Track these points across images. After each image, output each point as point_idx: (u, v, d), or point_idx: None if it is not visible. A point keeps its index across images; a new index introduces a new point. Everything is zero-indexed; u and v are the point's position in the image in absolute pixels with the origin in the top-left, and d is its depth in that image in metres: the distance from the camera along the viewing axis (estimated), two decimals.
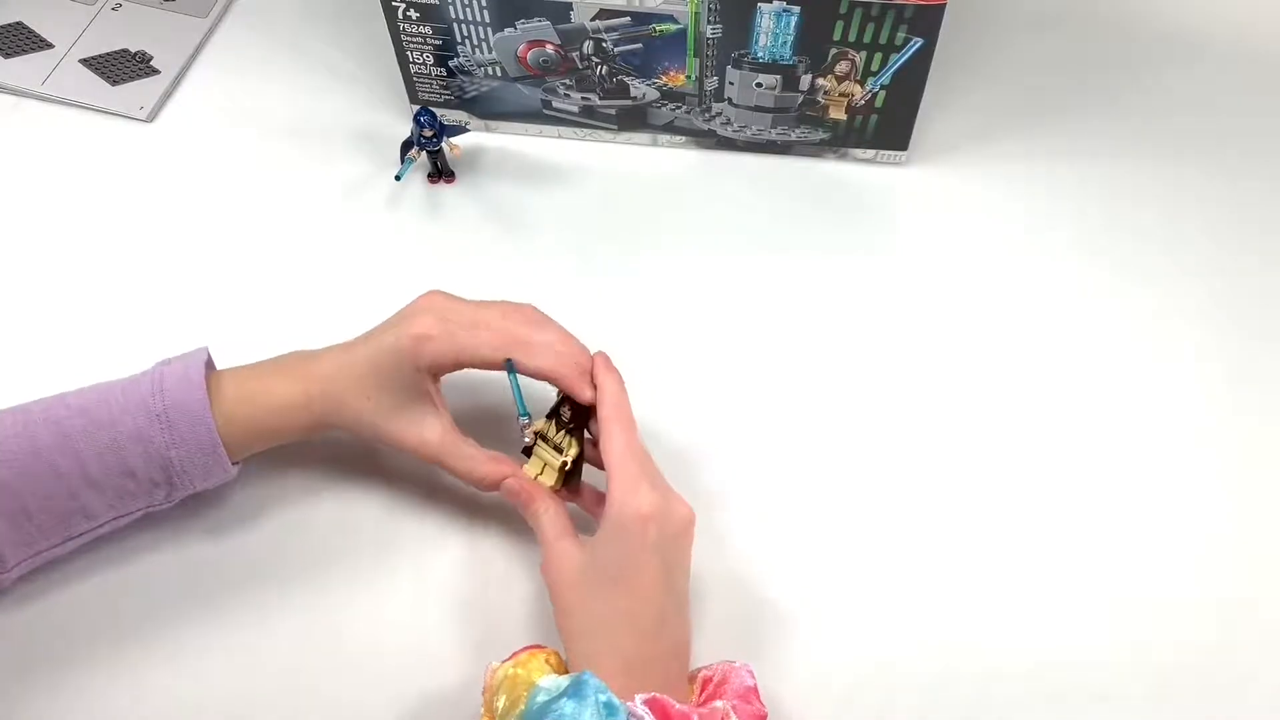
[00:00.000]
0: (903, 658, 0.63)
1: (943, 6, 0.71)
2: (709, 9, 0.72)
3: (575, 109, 0.82)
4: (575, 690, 0.51)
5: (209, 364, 0.63)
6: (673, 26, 0.74)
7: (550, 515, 0.61)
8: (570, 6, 0.74)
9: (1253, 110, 0.84)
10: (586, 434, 0.64)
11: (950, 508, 0.68)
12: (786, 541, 0.67)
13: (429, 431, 0.63)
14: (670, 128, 0.82)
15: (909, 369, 0.73)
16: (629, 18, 0.74)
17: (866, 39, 0.73)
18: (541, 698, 0.52)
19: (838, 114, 0.79)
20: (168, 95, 0.88)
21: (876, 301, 0.76)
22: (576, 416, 0.63)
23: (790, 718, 0.61)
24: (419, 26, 0.77)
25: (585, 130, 0.83)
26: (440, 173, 0.81)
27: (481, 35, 0.77)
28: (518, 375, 0.62)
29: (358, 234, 0.80)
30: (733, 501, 0.68)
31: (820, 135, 0.81)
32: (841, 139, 0.81)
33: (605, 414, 0.60)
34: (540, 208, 0.81)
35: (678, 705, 0.52)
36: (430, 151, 0.79)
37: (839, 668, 0.63)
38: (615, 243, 0.79)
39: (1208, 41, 0.88)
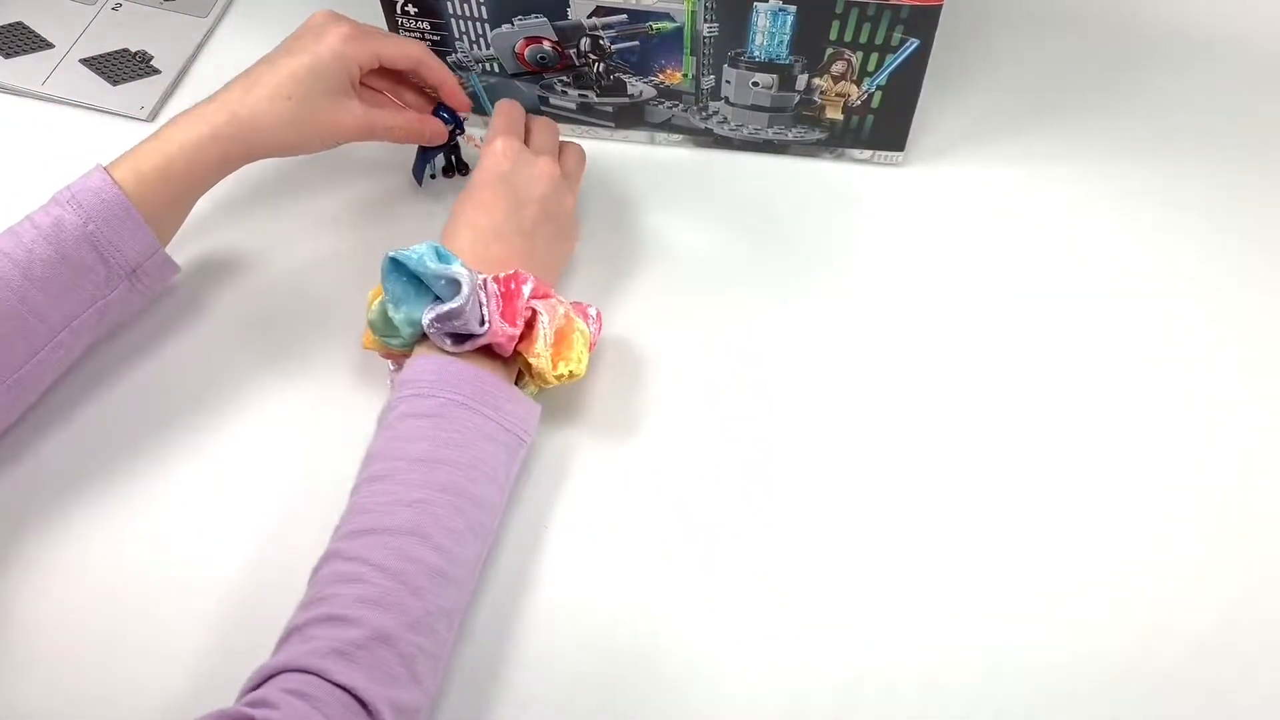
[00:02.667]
0: (902, 658, 0.63)
1: (939, 7, 0.71)
2: (706, 7, 0.73)
3: (573, 106, 0.82)
4: (421, 245, 0.63)
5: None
6: (669, 25, 0.74)
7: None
8: (567, 3, 0.74)
9: (1252, 110, 0.84)
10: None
11: (948, 508, 0.68)
12: (786, 541, 0.67)
13: (352, 112, 0.72)
14: (667, 126, 0.82)
15: (906, 370, 0.73)
16: (626, 15, 0.74)
17: (863, 39, 0.73)
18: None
19: (834, 114, 0.79)
20: (168, 95, 0.88)
21: (873, 302, 0.76)
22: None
23: (789, 717, 0.61)
24: (417, 22, 0.78)
25: (582, 127, 0.83)
26: (456, 167, 0.82)
27: (479, 31, 0.77)
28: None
29: (355, 232, 0.80)
30: (731, 500, 0.68)
31: (817, 135, 0.81)
32: (838, 139, 0.81)
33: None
34: None
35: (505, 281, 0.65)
36: (449, 146, 0.79)
37: (839, 668, 0.63)
38: (612, 241, 0.79)
39: (1206, 41, 0.88)
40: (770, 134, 0.82)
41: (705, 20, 0.74)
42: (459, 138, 0.79)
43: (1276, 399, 0.71)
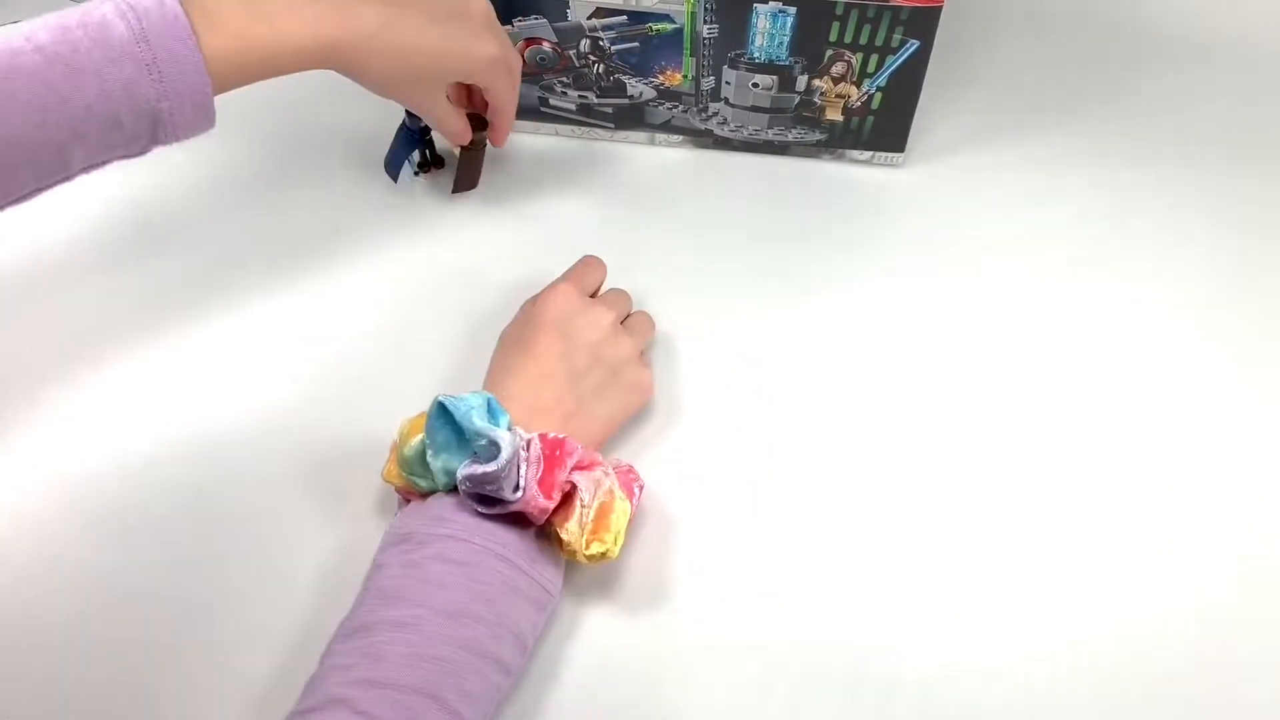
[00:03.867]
0: (902, 658, 0.63)
1: (939, 8, 0.71)
2: (705, 9, 0.73)
3: (572, 107, 0.82)
4: (473, 395, 0.59)
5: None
6: (669, 26, 0.74)
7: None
8: (567, 5, 0.74)
9: (1251, 110, 0.84)
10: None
11: (948, 509, 0.68)
12: (784, 541, 0.67)
13: (441, 106, 0.72)
14: (667, 127, 0.82)
15: (905, 371, 0.73)
16: (626, 16, 0.74)
17: (863, 40, 0.73)
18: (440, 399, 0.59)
19: (834, 115, 0.79)
20: None
21: (872, 303, 0.76)
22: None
23: (787, 715, 0.61)
24: None
25: (582, 128, 0.83)
26: (430, 162, 0.82)
27: None
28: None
29: (355, 231, 0.80)
30: (730, 500, 0.68)
31: (817, 136, 0.81)
32: (838, 140, 0.81)
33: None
34: (537, 205, 0.81)
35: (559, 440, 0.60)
36: (424, 141, 0.79)
37: (840, 667, 0.63)
38: (612, 241, 0.79)
39: (1206, 42, 0.88)
40: (770, 135, 0.81)
41: (705, 21, 0.74)
42: (434, 132, 0.79)
43: (1276, 400, 0.72)
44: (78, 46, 0.57)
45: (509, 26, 0.76)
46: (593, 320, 0.67)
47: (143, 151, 0.62)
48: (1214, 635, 0.63)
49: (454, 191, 0.81)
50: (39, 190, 0.60)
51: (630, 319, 0.72)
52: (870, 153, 0.82)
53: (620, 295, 0.73)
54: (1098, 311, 0.75)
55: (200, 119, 0.62)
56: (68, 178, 0.60)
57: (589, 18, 0.75)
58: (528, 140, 0.84)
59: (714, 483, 0.69)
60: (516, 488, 0.58)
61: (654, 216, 0.81)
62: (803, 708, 0.61)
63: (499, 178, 0.82)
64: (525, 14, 0.75)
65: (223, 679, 0.60)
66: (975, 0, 0.89)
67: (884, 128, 0.79)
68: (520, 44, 0.77)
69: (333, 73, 0.88)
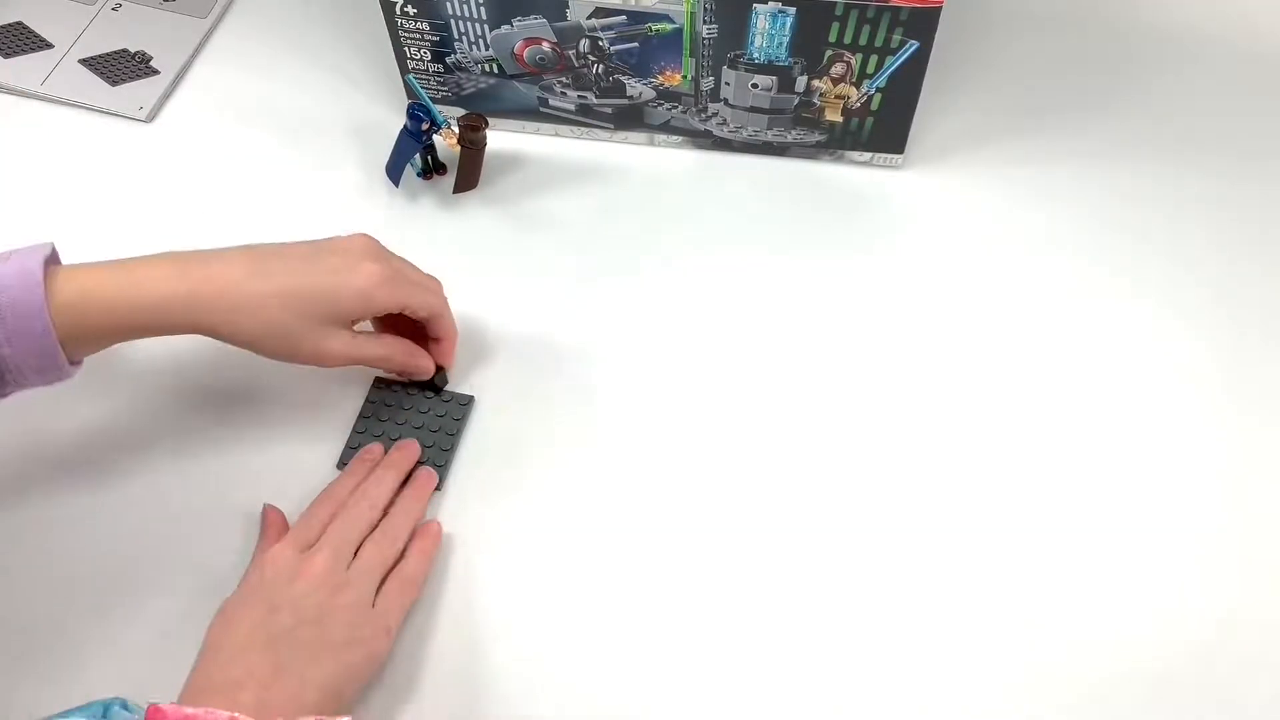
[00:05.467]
0: (901, 657, 0.63)
1: (938, 9, 0.71)
2: (705, 9, 0.73)
3: (572, 107, 0.82)
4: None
5: (52, 258, 0.61)
6: (669, 26, 0.74)
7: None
8: (567, 4, 0.74)
9: (1252, 111, 0.84)
10: None
11: (948, 509, 0.68)
12: (784, 540, 0.67)
13: (341, 340, 0.65)
14: (667, 127, 0.82)
15: (904, 371, 0.73)
16: (625, 16, 0.74)
17: (862, 41, 0.73)
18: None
19: (834, 116, 0.79)
20: (167, 95, 0.88)
21: (872, 304, 0.76)
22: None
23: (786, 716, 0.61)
24: (416, 23, 0.78)
25: (582, 129, 0.83)
26: (432, 168, 0.82)
27: (479, 32, 0.77)
28: None
29: (351, 229, 0.80)
30: (728, 499, 0.68)
31: (816, 137, 0.81)
32: (838, 141, 0.81)
33: None
34: (537, 206, 0.81)
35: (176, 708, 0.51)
36: (425, 146, 0.79)
37: (839, 667, 0.63)
38: (611, 242, 0.79)
39: (1207, 42, 0.88)
40: (770, 136, 0.81)
41: (704, 22, 0.74)
42: (435, 136, 0.79)
43: (1276, 399, 0.71)
44: None
45: (508, 26, 0.76)
46: (300, 571, 0.60)
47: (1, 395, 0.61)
48: (1214, 637, 0.63)
49: (455, 192, 0.81)
50: None
51: (407, 550, 0.64)
52: (870, 153, 0.82)
53: (363, 506, 0.64)
54: (1098, 311, 0.75)
55: (47, 365, 0.60)
56: None
57: (588, 18, 0.75)
58: (528, 140, 0.84)
59: (710, 478, 0.69)
60: None
61: (653, 217, 0.81)
62: (800, 708, 0.61)
63: (499, 178, 0.82)
64: (525, 14, 0.75)
65: None
66: (975, 0, 0.89)
67: (883, 128, 0.79)
68: (520, 44, 0.77)
69: (331, 72, 0.89)
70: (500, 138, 0.83)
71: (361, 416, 0.71)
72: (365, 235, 0.67)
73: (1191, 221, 0.79)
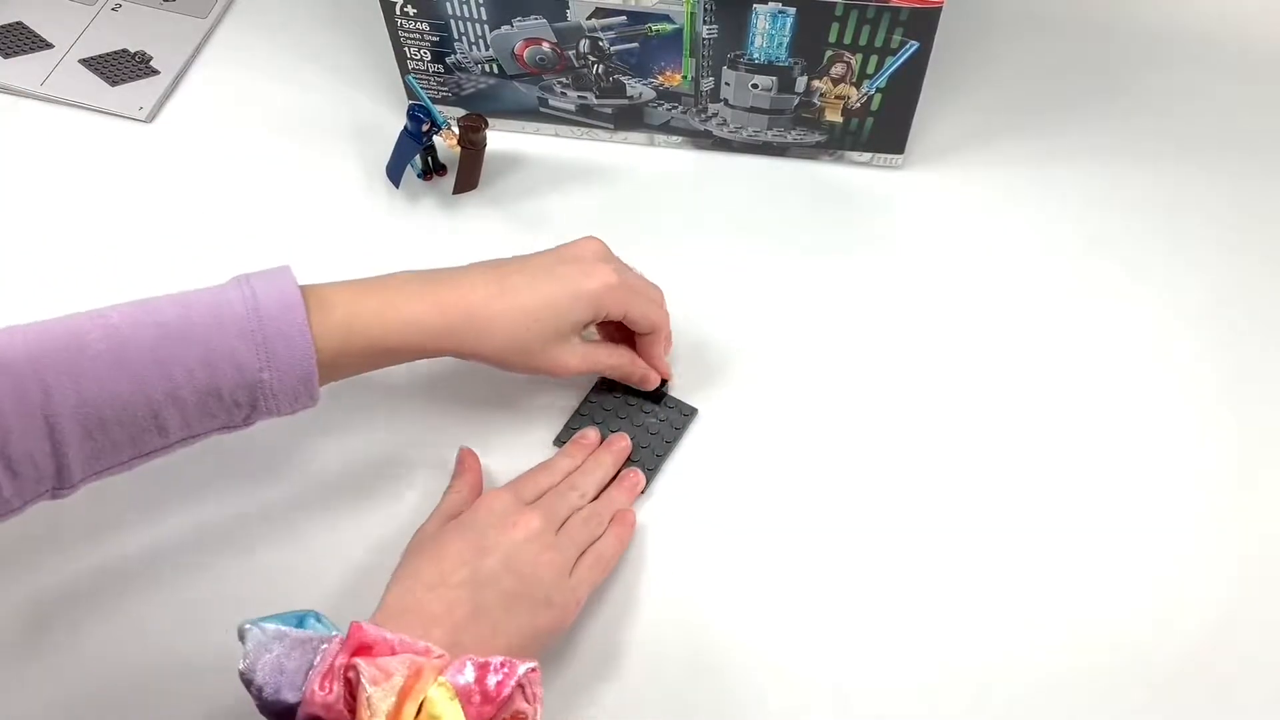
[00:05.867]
0: (901, 657, 0.63)
1: (938, 9, 0.71)
2: (705, 9, 0.73)
3: (572, 107, 0.82)
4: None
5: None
6: (669, 26, 0.74)
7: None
8: (567, 5, 0.74)
9: (1252, 110, 0.84)
10: None
11: (948, 508, 0.68)
12: (784, 539, 0.67)
13: (578, 352, 0.67)
14: (667, 128, 0.82)
15: (904, 371, 0.73)
16: (625, 17, 0.74)
17: (862, 41, 0.73)
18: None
19: (834, 116, 0.79)
20: (167, 95, 0.88)
21: (872, 304, 0.76)
22: None
23: (785, 716, 0.61)
24: (416, 23, 0.78)
25: (582, 129, 0.83)
26: (433, 169, 0.82)
27: (479, 32, 0.77)
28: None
29: (356, 232, 0.80)
30: (728, 499, 0.68)
31: (816, 137, 0.81)
32: (838, 141, 0.81)
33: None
34: (537, 206, 0.81)
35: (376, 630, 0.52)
36: (425, 147, 0.79)
37: (838, 665, 0.63)
38: (611, 242, 0.78)
39: (1206, 42, 0.88)
40: (770, 136, 0.81)
41: (705, 22, 0.74)
42: (435, 137, 0.79)
43: (1276, 399, 0.71)
44: (191, 318, 0.58)
45: (508, 26, 0.76)
46: (515, 521, 0.62)
47: (245, 423, 0.61)
48: (1213, 636, 0.63)
49: (455, 192, 0.81)
50: (136, 458, 0.59)
51: (609, 529, 0.66)
52: (870, 154, 0.82)
53: (584, 487, 0.66)
54: (1098, 311, 0.75)
55: (302, 392, 0.60)
56: (166, 446, 0.60)
57: (588, 18, 0.75)
58: (528, 140, 0.84)
59: (709, 477, 0.69)
60: (299, 688, 0.51)
61: (653, 218, 0.81)
62: (799, 708, 0.61)
63: (499, 178, 0.82)
64: (525, 14, 0.75)
65: None
66: (975, 0, 0.89)
67: (883, 129, 0.79)
68: (520, 44, 0.77)
69: (331, 72, 0.88)
70: (500, 138, 0.83)
71: (579, 414, 0.71)
72: (595, 239, 0.68)
73: (1191, 221, 0.79)
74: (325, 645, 0.51)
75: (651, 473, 0.69)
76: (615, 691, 0.62)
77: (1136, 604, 0.64)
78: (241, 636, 0.51)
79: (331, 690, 0.50)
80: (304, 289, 0.60)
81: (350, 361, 0.62)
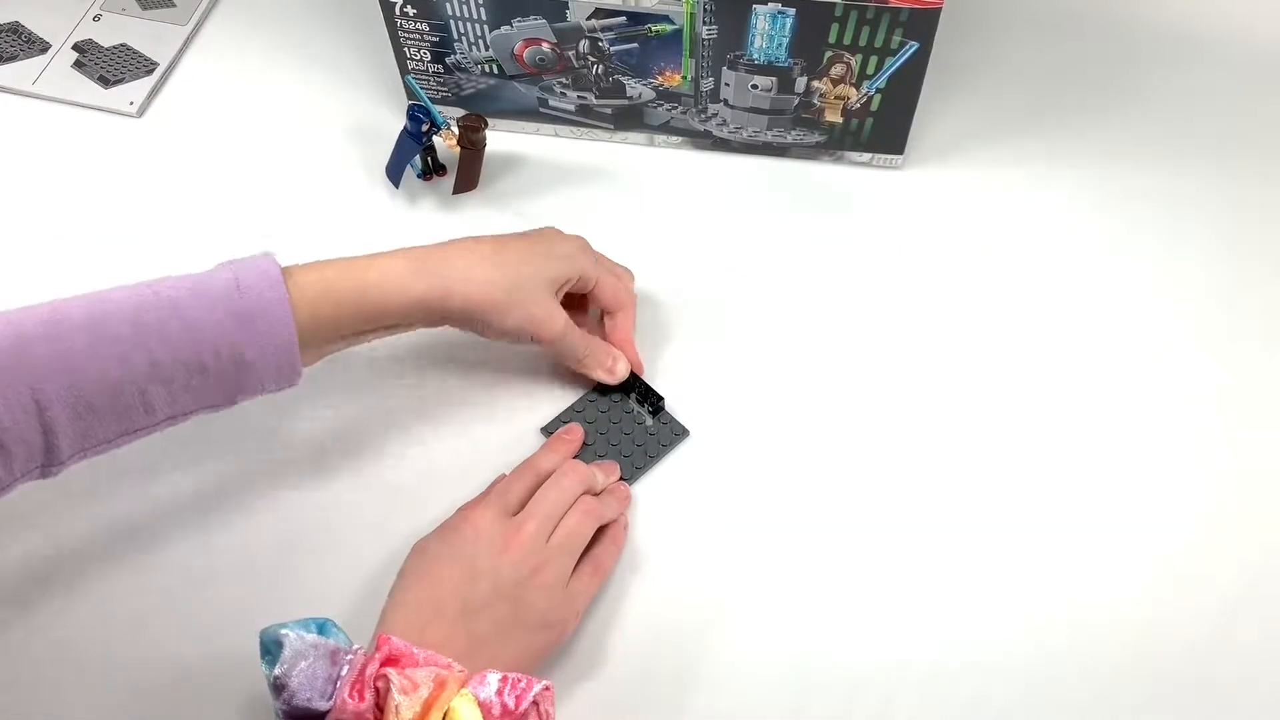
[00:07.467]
0: (901, 656, 0.63)
1: (938, 10, 0.71)
2: (704, 10, 0.73)
3: (571, 108, 0.82)
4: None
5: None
6: (668, 27, 0.74)
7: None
8: (566, 5, 0.74)
9: (1252, 110, 0.84)
10: None
11: (948, 507, 0.68)
12: (784, 538, 0.67)
13: (560, 316, 0.67)
14: (666, 128, 0.82)
15: (905, 371, 0.73)
16: (625, 17, 0.74)
17: (862, 42, 0.73)
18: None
19: (833, 117, 0.79)
20: (156, 89, 0.88)
21: (872, 304, 0.76)
22: None
23: (783, 716, 0.61)
24: (416, 23, 0.78)
25: (582, 129, 0.83)
26: (432, 169, 0.81)
27: (478, 32, 0.77)
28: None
29: (356, 232, 0.80)
30: (727, 499, 0.68)
31: (816, 138, 0.81)
32: (837, 142, 0.81)
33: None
34: (537, 206, 0.81)
35: (403, 643, 0.54)
36: (425, 147, 0.79)
37: (838, 665, 0.63)
38: (611, 242, 0.78)
39: (1206, 42, 0.88)
40: (769, 136, 0.81)
41: (704, 22, 0.73)
42: (435, 137, 0.79)
43: (1276, 400, 0.72)
44: (173, 294, 0.59)
45: (508, 26, 0.76)
46: (505, 543, 0.61)
47: (230, 401, 0.61)
48: (1213, 635, 0.64)
49: (454, 192, 0.80)
50: (124, 435, 0.60)
51: (598, 541, 0.65)
52: (869, 154, 0.82)
53: (570, 480, 0.65)
54: (1098, 311, 0.75)
55: (285, 366, 0.61)
56: (153, 424, 0.60)
57: (588, 18, 0.74)
58: (528, 141, 0.84)
59: (709, 476, 0.69)
60: (329, 697, 0.52)
61: (653, 218, 0.80)
62: (798, 708, 0.61)
63: (499, 178, 0.82)
64: (524, 14, 0.75)
65: None
66: (975, 1, 0.89)
67: (883, 129, 0.79)
68: (520, 44, 0.77)
69: (330, 72, 0.88)
70: (500, 138, 0.83)
71: (573, 409, 0.72)
72: (578, 237, 0.71)
73: (1191, 221, 0.79)
74: (350, 655, 0.52)
75: (628, 481, 0.69)
76: (600, 694, 0.62)
77: (1137, 603, 0.64)
78: (278, 643, 0.51)
79: (363, 699, 0.51)
80: (287, 268, 0.61)
81: (329, 324, 0.62)
